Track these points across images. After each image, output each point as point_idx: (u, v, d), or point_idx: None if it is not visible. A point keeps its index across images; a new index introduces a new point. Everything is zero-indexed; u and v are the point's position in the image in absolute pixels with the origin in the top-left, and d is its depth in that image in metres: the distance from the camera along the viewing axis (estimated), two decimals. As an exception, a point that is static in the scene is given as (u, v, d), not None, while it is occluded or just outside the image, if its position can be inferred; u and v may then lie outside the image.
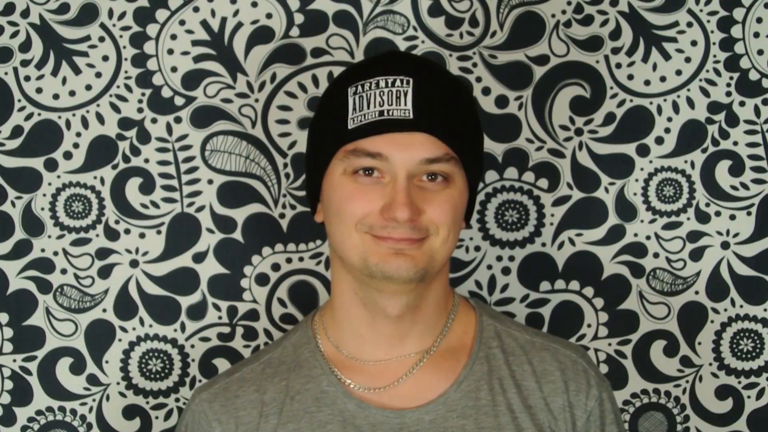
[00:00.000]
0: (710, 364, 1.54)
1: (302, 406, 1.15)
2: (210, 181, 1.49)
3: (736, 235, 1.52)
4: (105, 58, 1.48)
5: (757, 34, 1.50)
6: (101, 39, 1.48)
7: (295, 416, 1.15)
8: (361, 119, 1.06)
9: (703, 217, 1.52)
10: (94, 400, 1.51)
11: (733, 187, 1.52)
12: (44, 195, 1.48)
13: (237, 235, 1.50)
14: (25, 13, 1.47)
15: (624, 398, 1.54)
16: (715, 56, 1.50)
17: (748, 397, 1.54)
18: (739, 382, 1.54)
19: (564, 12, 1.50)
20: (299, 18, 1.48)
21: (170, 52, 1.48)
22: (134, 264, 1.50)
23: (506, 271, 1.52)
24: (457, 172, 1.10)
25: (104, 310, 1.50)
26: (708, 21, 1.50)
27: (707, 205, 1.52)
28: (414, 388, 1.15)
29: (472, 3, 1.49)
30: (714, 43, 1.50)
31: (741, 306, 1.53)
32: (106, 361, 1.51)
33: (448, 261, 1.16)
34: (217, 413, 1.18)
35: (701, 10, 1.50)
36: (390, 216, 1.04)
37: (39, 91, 1.47)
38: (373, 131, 1.06)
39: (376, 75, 1.08)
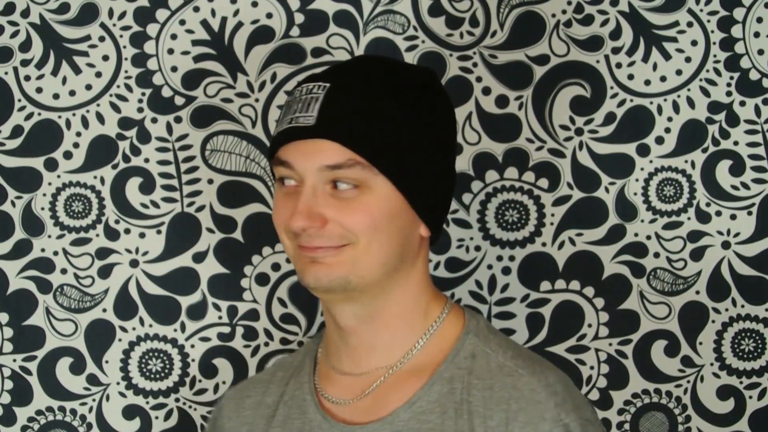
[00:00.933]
0: (711, 364, 1.54)
1: (288, 412, 1.15)
2: (210, 181, 1.50)
3: (736, 234, 1.52)
4: (105, 58, 1.48)
5: (757, 34, 1.50)
6: (101, 39, 1.48)
7: (281, 422, 1.15)
8: (279, 128, 1.06)
9: (703, 217, 1.52)
10: (94, 400, 1.51)
11: (734, 187, 1.51)
12: (44, 195, 1.49)
13: (237, 234, 1.50)
14: (25, 13, 1.47)
15: (625, 398, 1.54)
16: (715, 56, 1.50)
17: (750, 397, 1.54)
18: (741, 383, 1.54)
19: (564, 12, 1.50)
20: (299, 18, 1.49)
21: (170, 51, 1.48)
22: (134, 264, 1.50)
23: (506, 271, 1.52)
24: (373, 178, 1.03)
25: (104, 310, 1.50)
26: (708, 21, 1.50)
27: (708, 204, 1.52)
28: (372, 404, 1.11)
29: (472, 3, 1.50)
30: (714, 43, 1.50)
31: (742, 306, 1.53)
32: (106, 361, 1.51)
33: (416, 270, 1.10)
34: (230, 410, 1.21)
35: (701, 10, 1.50)
36: (295, 225, 1.03)
37: (39, 90, 1.48)
38: (283, 140, 1.05)
39: (301, 83, 1.08)
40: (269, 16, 1.48)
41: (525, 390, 1.07)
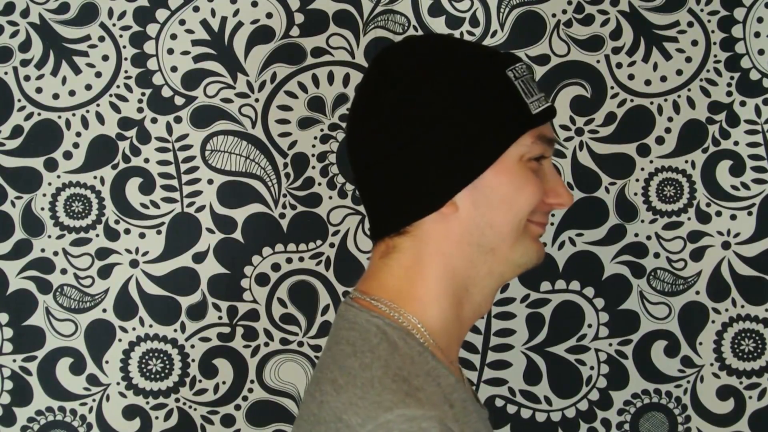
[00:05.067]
0: (711, 365, 1.54)
1: (463, 416, 1.03)
2: (210, 181, 1.49)
3: (737, 235, 1.52)
4: (105, 58, 1.48)
5: (758, 34, 1.50)
6: (101, 39, 1.48)
7: (461, 416, 1.03)
8: (538, 104, 1.02)
9: (703, 217, 1.52)
10: (94, 400, 1.51)
11: (734, 187, 1.51)
12: (44, 195, 1.48)
13: (237, 235, 1.50)
14: (25, 13, 1.47)
15: (625, 398, 1.53)
16: (715, 56, 1.50)
17: (750, 397, 1.54)
18: (741, 383, 1.54)
19: (564, 12, 1.50)
20: (299, 18, 1.48)
21: (170, 51, 1.48)
22: (134, 264, 1.50)
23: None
24: None
25: (104, 310, 1.50)
26: (709, 21, 1.50)
27: (708, 205, 1.52)
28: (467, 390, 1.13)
29: (472, 3, 1.49)
30: (715, 43, 1.50)
31: (742, 306, 1.53)
32: (106, 361, 1.51)
33: None
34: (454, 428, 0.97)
35: (702, 10, 1.50)
36: (558, 202, 1.03)
37: (39, 90, 1.48)
38: (548, 117, 1.03)
39: (512, 61, 1.04)
40: (269, 16, 1.48)
41: None
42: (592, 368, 1.53)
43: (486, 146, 1.01)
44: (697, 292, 1.53)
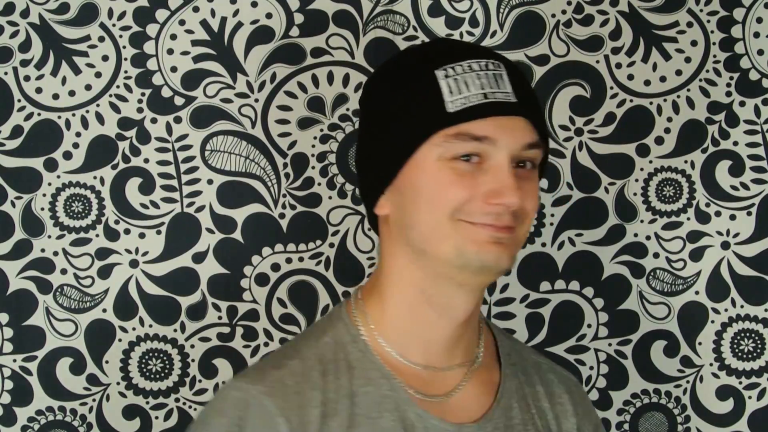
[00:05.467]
0: (711, 365, 1.54)
1: (363, 411, 1.05)
2: (210, 181, 1.50)
3: (736, 235, 1.52)
4: (105, 58, 1.48)
5: (757, 34, 1.50)
6: (101, 39, 1.48)
7: (356, 420, 1.04)
8: (462, 102, 0.99)
9: (703, 217, 1.52)
10: (94, 400, 1.51)
11: (734, 187, 1.52)
12: (44, 195, 1.48)
13: (237, 235, 1.50)
14: (25, 13, 1.47)
15: (624, 398, 1.54)
16: (715, 56, 1.50)
17: (749, 397, 1.54)
18: (740, 383, 1.54)
19: (564, 12, 1.50)
20: (299, 18, 1.49)
21: (170, 52, 1.48)
22: (134, 264, 1.50)
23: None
24: (539, 160, 1.06)
25: (104, 310, 1.50)
26: (708, 21, 1.50)
27: (707, 205, 1.52)
28: (463, 400, 1.09)
29: (472, 3, 1.49)
30: (714, 43, 1.51)
31: (741, 306, 1.53)
32: (106, 361, 1.51)
33: None
34: (281, 409, 1.02)
35: (701, 10, 1.50)
36: (498, 202, 0.98)
37: (39, 91, 1.48)
38: (478, 114, 1.00)
39: (466, 57, 1.02)
40: (269, 16, 1.48)
41: (572, 386, 1.19)
42: (591, 368, 1.53)
43: (398, 147, 1.03)
44: (697, 292, 1.53)
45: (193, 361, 1.51)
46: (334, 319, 1.12)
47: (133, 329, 1.51)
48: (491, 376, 1.13)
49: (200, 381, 1.52)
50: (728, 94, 1.51)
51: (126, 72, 1.48)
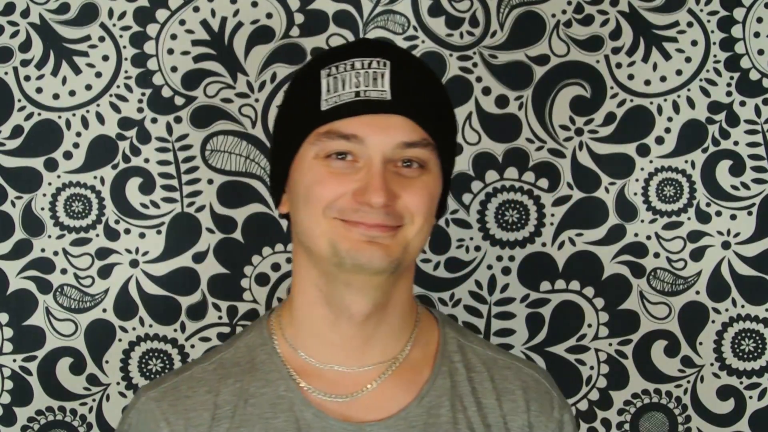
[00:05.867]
0: (711, 365, 1.54)
1: (257, 411, 1.07)
2: (210, 181, 1.50)
3: (736, 234, 1.52)
4: (105, 58, 1.48)
5: (757, 34, 1.50)
6: (101, 39, 1.48)
7: (248, 421, 1.07)
8: (335, 100, 1.01)
9: (703, 217, 1.52)
10: (94, 400, 1.51)
11: (734, 187, 1.52)
12: (44, 195, 1.48)
13: (237, 235, 1.50)
14: (25, 13, 1.47)
15: (625, 398, 1.54)
16: (715, 56, 1.50)
17: (750, 397, 1.55)
18: (741, 383, 1.54)
19: (564, 12, 1.50)
20: (299, 18, 1.49)
21: (170, 51, 1.48)
22: (134, 264, 1.50)
23: (506, 271, 1.52)
24: (433, 160, 1.04)
25: (104, 310, 1.50)
26: (708, 21, 1.50)
27: (708, 205, 1.52)
28: (375, 400, 1.08)
29: (472, 3, 1.49)
30: (714, 43, 1.51)
31: (742, 306, 1.53)
32: (106, 361, 1.51)
33: (414, 264, 1.12)
34: (165, 413, 1.09)
35: (701, 10, 1.50)
36: (364, 200, 0.98)
37: (39, 90, 1.48)
38: (348, 113, 1.01)
39: (352, 57, 1.03)
40: (269, 16, 1.48)
41: (529, 381, 1.14)
42: (592, 368, 1.53)
43: (285, 146, 1.06)
44: (697, 292, 1.53)
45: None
46: (254, 325, 1.17)
47: (133, 329, 1.51)
48: (419, 374, 1.11)
49: None
50: (728, 93, 1.51)
51: (126, 72, 1.48)
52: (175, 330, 1.51)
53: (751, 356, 1.54)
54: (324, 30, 1.49)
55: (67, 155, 1.48)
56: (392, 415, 1.07)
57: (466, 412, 1.10)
